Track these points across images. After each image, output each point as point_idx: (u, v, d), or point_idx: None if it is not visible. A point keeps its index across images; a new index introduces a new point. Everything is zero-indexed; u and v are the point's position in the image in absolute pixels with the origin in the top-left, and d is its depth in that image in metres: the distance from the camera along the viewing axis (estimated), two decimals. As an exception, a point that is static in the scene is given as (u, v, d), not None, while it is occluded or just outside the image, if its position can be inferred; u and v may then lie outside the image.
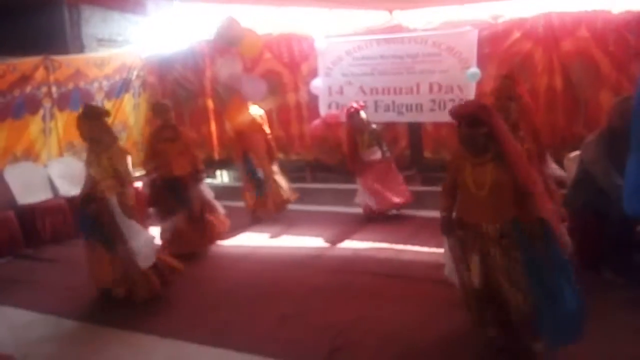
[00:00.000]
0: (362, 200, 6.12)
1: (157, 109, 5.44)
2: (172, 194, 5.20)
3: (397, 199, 5.99)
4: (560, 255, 2.85)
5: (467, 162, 2.97)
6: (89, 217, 4.15)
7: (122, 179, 4.11)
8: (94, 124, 4.13)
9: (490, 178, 2.87)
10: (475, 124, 2.85)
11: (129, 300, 4.21)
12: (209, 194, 5.57)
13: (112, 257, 4.15)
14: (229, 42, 5.85)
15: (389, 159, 6.14)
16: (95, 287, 4.34)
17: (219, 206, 5.67)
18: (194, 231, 5.26)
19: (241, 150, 6.30)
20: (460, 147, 3.02)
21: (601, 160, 3.93)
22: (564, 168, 4.87)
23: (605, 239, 3.99)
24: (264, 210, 6.29)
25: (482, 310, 3.10)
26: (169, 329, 3.77)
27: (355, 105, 5.99)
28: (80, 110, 4.24)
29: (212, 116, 7.98)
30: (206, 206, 5.45)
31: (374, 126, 6.08)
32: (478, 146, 2.90)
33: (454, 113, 2.98)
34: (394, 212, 6.19)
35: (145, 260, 4.15)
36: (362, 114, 5.95)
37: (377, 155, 6.04)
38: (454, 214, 3.17)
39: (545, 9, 5.92)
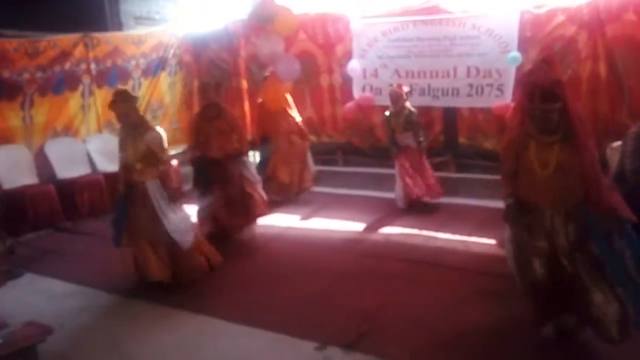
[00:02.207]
0: (398, 193, 5.91)
1: (199, 88, 5.42)
2: (211, 174, 5.07)
3: (420, 192, 5.75)
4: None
5: (531, 141, 2.79)
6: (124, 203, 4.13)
7: (162, 163, 4.05)
8: (129, 107, 4.06)
9: (556, 158, 2.71)
10: (551, 98, 2.66)
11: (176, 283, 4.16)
12: (252, 173, 5.36)
13: (155, 248, 4.07)
14: (263, 20, 5.80)
15: (422, 150, 5.85)
16: (147, 281, 4.15)
17: (259, 187, 5.45)
18: (230, 213, 5.12)
19: (262, 133, 6.43)
20: (529, 124, 2.81)
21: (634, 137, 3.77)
22: (606, 158, 4.70)
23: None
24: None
25: (547, 304, 2.91)
26: (200, 305, 3.85)
27: (394, 86, 5.83)
28: (114, 93, 4.14)
29: (245, 96, 7.98)
30: (247, 185, 5.24)
31: (412, 109, 5.80)
32: (552, 123, 2.71)
33: (529, 84, 2.75)
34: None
35: (183, 240, 4.08)
36: (403, 96, 5.76)
37: (410, 141, 5.81)
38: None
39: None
